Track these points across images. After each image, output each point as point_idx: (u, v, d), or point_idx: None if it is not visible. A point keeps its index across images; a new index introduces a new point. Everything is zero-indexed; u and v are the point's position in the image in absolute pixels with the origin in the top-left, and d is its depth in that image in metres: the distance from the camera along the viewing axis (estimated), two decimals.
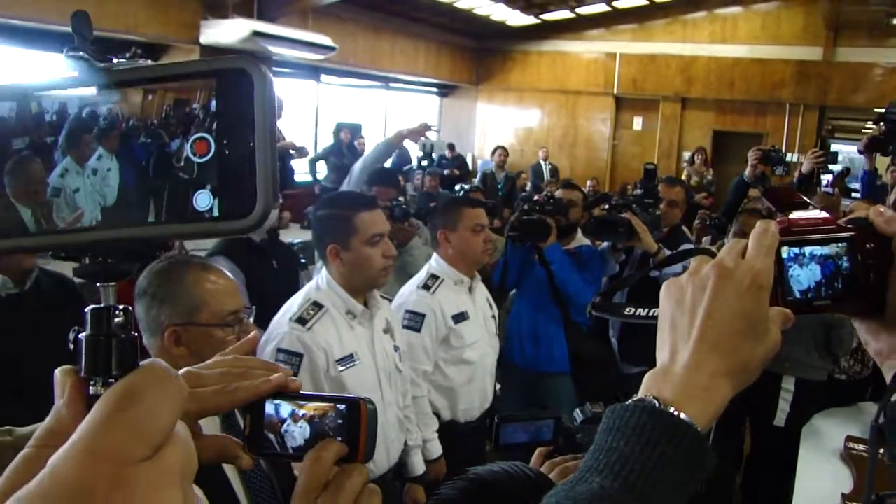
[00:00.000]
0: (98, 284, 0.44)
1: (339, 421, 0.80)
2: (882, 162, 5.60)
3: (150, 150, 0.43)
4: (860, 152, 4.57)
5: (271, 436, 0.81)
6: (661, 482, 0.69)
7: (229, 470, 1.69)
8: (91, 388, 0.42)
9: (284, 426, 0.81)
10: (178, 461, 0.38)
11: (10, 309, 2.83)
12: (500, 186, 11.21)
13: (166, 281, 1.89)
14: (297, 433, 0.80)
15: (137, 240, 0.43)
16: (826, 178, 4.79)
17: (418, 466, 3.07)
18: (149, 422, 0.38)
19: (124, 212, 0.43)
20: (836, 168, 5.12)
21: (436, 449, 3.18)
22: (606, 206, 4.31)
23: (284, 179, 9.10)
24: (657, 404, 0.72)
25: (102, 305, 0.44)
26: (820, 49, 13.39)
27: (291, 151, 9.08)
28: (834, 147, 14.03)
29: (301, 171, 10.80)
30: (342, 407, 0.80)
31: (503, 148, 12.40)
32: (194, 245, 5.79)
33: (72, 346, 0.44)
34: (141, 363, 0.43)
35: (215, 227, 0.42)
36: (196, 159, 0.42)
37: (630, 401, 0.75)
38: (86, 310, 0.44)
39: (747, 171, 4.50)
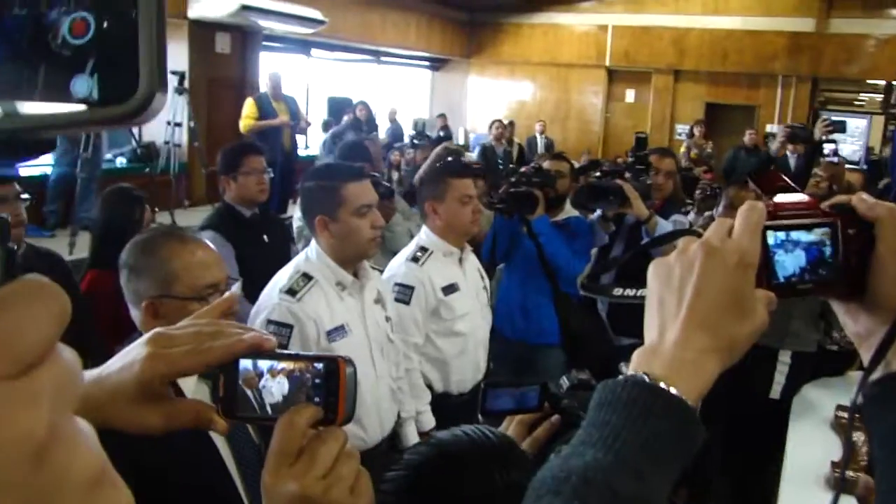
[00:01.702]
0: None
1: (317, 380, 0.77)
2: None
3: (24, 24, 0.39)
4: None
5: (248, 392, 0.78)
6: (653, 454, 0.69)
7: (218, 439, 1.69)
8: None
9: (262, 381, 0.77)
10: (53, 385, 0.34)
11: None
12: (500, 160, 11.07)
13: (143, 253, 1.89)
14: (276, 389, 0.77)
15: (9, 131, 0.39)
16: (829, 148, 4.79)
17: (411, 438, 3.08)
18: (16, 336, 0.33)
19: None
20: (842, 137, 5.12)
21: (429, 421, 3.18)
22: (597, 174, 4.27)
23: (290, 155, 9.01)
24: (647, 379, 0.73)
25: None
26: (813, 20, 13.33)
27: (292, 124, 8.95)
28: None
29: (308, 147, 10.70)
30: (319, 366, 0.77)
31: (500, 121, 12.35)
32: (185, 220, 5.78)
33: None
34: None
35: (94, 114, 0.38)
36: (74, 41, 0.38)
37: (621, 377, 0.75)
38: None
39: (774, 147, 4.55)
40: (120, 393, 0.78)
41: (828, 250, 0.83)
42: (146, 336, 0.80)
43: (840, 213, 0.84)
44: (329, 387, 0.77)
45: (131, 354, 0.79)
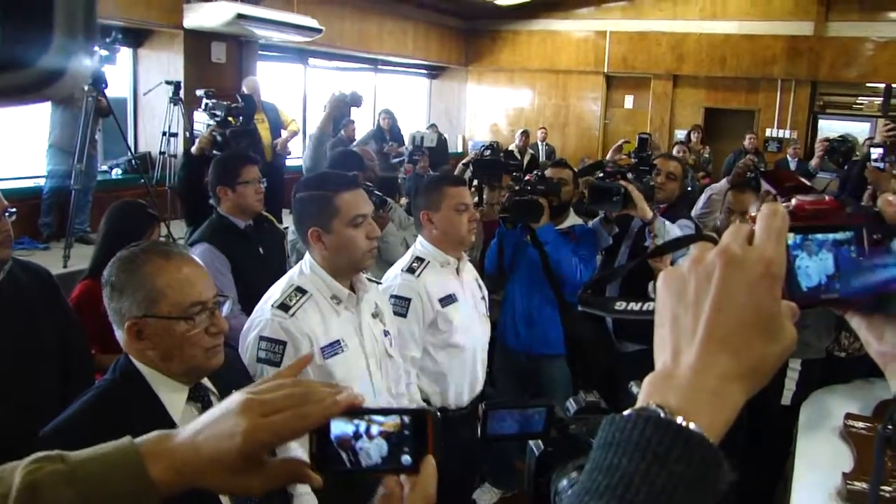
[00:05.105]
0: None
1: (406, 433, 0.82)
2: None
3: None
4: None
5: (343, 453, 0.81)
6: None
7: None
8: None
9: (359, 443, 0.81)
10: None
11: None
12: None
13: (125, 271, 1.80)
14: (374, 450, 0.82)
15: None
16: (876, 152, 4.60)
17: None
18: None
19: None
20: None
21: None
22: (600, 174, 4.20)
23: (279, 168, 8.86)
24: (662, 414, 0.63)
25: None
26: (811, 24, 13.30)
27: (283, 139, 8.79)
28: (824, 123, 14.04)
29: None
30: (407, 419, 0.82)
31: (526, 131, 12.72)
32: (177, 233, 5.70)
33: None
34: None
35: None
36: None
37: (631, 410, 0.65)
38: None
39: (813, 162, 4.48)
40: (220, 462, 0.82)
41: (854, 255, 0.75)
42: (237, 403, 0.83)
43: (865, 217, 0.75)
44: (418, 438, 0.82)
45: (227, 425, 0.82)
